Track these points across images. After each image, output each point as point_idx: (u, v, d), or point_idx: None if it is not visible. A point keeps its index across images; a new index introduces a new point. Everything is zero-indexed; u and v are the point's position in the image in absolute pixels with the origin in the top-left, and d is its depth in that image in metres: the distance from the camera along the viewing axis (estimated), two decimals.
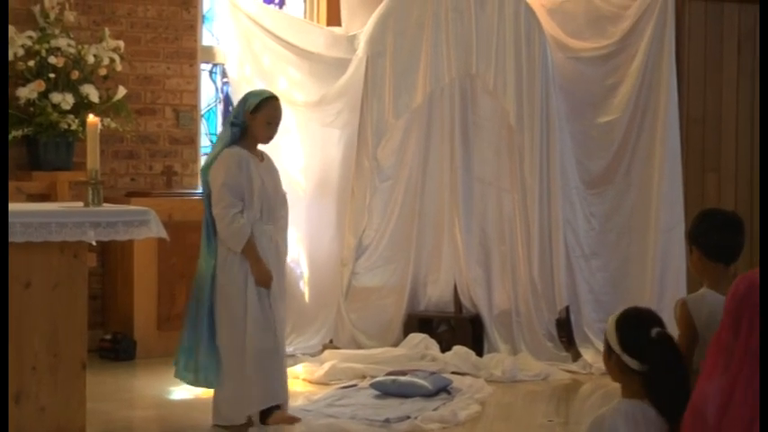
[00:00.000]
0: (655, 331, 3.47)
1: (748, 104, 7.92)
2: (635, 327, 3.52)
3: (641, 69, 7.65)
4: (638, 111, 7.68)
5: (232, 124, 5.53)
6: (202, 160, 8.43)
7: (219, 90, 8.63)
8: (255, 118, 5.47)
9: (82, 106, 7.28)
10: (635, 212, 7.71)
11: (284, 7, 8.72)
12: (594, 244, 7.71)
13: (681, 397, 3.41)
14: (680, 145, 7.65)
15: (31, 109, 7.28)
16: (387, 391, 6.39)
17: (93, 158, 5.05)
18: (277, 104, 5.58)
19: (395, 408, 6.11)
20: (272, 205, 5.53)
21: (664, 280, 7.55)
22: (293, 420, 5.68)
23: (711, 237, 4.15)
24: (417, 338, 7.45)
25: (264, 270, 5.41)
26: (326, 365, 6.98)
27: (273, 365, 5.45)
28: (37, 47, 7.30)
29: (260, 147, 5.66)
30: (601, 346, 7.32)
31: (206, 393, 6.59)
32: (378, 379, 6.55)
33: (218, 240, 5.46)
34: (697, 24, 7.79)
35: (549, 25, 7.79)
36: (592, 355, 7.37)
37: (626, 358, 3.49)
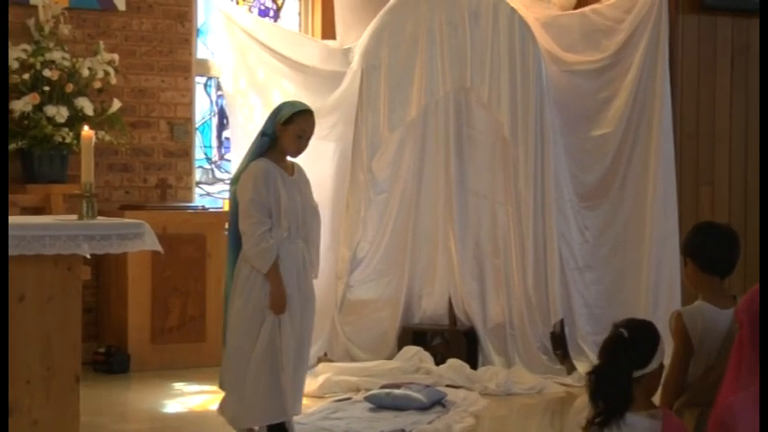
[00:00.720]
0: (615, 330, 3.54)
1: (742, 118, 7.92)
2: (612, 328, 3.62)
3: (635, 83, 7.66)
4: (631, 124, 7.69)
5: (263, 134, 5.35)
6: (197, 173, 8.46)
7: (214, 103, 8.64)
8: (286, 130, 5.28)
9: (76, 119, 7.28)
10: (629, 225, 7.71)
11: (279, 21, 8.74)
12: (589, 257, 7.71)
13: (610, 388, 3.48)
14: (674, 158, 7.66)
15: (26, 122, 7.28)
16: (381, 404, 6.38)
17: (87, 171, 5.03)
18: (310, 118, 5.35)
19: (389, 421, 6.10)
20: (302, 220, 5.34)
21: (658, 292, 7.54)
22: None
23: (707, 250, 4.17)
24: (412, 351, 7.44)
25: (282, 297, 5.23)
26: (321, 378, 6.97)
27: (276, 385, 5.25)
28: (32, 60, 7.31)
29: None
30: (594, 359, 7.38)
31: (200, 407, 6.60)
32: (372, 392, 6.55)
33: (241, 256, 5.30)
34: (690, 38, 7.79)
35: (543, 39, 7.80)
36: (586, 368, 7.30)
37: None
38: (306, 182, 5.47)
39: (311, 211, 5.44)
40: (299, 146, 5.34)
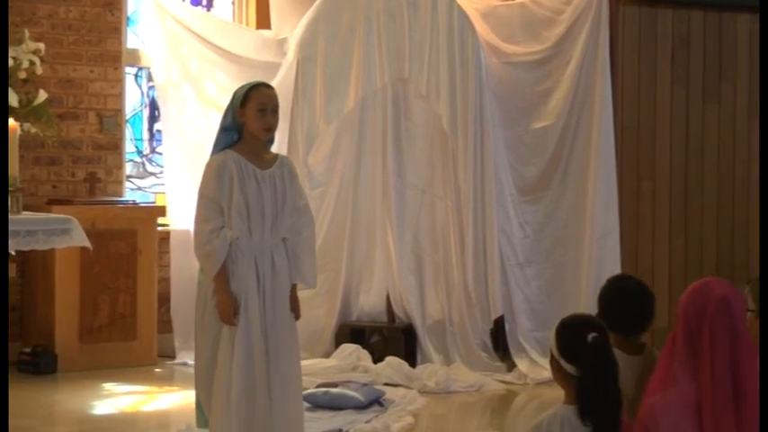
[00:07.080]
0: (590, 336, 3.47)
1: (682, 111, 7.93)
2: (573, 332, 3.54)
3: (575, 75, 7.62)
4: (572, 117, 7.65)
5: (223, 130, 4.84)
6: (128, 167, 8.29)
7: (145, 94, 8.48)
8: (245, 111, 4.75)
9: None
10: (570, 220, 7.68)
11: (212, 10, 8.59)
12: (529, 252, 7.66)
13: (605, 401, 3.44)
14: (614, 152, 7.63)
15: None
16: (318, 403, 6.30)
17: (12, 165, 4.93)
18: (266, 89, 4.83)
19: (326, 420, 6.03)
20: (274, 219, 4.75)
21: (599, 287, 7.42)
22: None
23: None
24: (349, 349, 7.36)
25: (225, 304, 4.69)
26: None
27: (219, 403, 4.73)
28: None
29: (276, 150, 4.89)
30: (535, 356, 7.34)
31: (130, 408, 6.45)
32: (309, 391, 6.42)
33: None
34: (631, 30, 7.78)
35: (482, 29, 7.73)
36: (526, 366, 7.32)
37: (563, 363, 3.51)
38: (288, 177, 4.84)
39: (291, 209, 4.82)
40: (265, 122, 4.77)
